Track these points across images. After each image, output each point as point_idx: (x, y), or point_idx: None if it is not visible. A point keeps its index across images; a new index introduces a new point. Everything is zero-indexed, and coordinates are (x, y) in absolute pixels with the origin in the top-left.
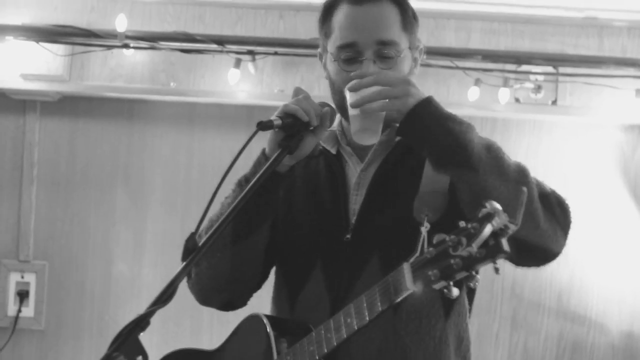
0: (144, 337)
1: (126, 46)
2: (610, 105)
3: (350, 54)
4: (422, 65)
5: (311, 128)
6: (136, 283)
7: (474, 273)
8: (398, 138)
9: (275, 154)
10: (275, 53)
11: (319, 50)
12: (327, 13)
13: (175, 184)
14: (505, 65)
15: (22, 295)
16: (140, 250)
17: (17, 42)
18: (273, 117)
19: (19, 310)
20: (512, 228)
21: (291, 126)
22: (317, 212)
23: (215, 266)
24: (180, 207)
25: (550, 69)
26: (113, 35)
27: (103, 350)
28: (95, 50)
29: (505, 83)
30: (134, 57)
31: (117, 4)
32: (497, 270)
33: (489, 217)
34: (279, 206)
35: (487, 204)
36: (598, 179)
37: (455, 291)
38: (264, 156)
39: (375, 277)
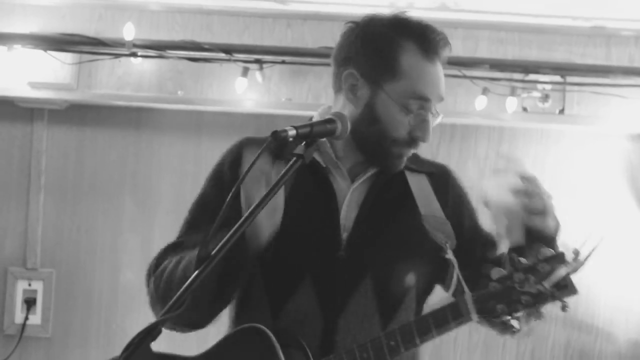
0: (152, 346)
1: (134, 55)
2: (617, 115)
3: (419, 106)
4: None
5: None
6: (143, 291)
7: (540, 309)
8: None
9: (289, 164)
10: (283, 62)
11: (351, 71)
12: (389, 48)
13: (183, 193)
14: (512, 74)
15: (30, 303)
16: (147, 258)
17: (25, 50)
18: (287, 127)
19: (26, 318)
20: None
21: (306, 136)
22: (306, 224)
23: (191, 316)
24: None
25: (557, 78)
26: (121, 43)
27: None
28: (103, 58)
29: (513, 92)
30: (141, 66)
31: (125, 12)
32: (564, 308)
33: (562, 258)
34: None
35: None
36: (605, 188)
37: (516, 324)
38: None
39: (369, 296)
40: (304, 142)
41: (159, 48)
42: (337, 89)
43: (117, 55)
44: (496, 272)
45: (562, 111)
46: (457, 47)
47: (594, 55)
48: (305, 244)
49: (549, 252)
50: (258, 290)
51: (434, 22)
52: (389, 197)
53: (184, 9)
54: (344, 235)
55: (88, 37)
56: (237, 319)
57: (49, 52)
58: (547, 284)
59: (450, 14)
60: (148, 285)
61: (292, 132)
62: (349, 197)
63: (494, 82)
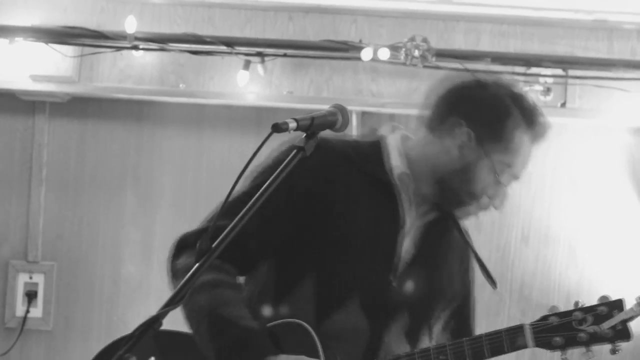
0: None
1: (135, 47)
2: (619, 108)
3: (509, 180)
4: (430, 67)
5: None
6: (145, 284)
7: (591, 348)
8: None
9: (291, 155)
10: (285, 55)
11: (468, 131)
12: (508, 125)
13: (184, 185)
14: (514, 67)
15: (31, 296)
16: (149, 251)
17: (27, 43)
18: (288, 120)
19: (27, 311)
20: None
21: (307, 128)
22: (367, 243)
23: None
24: (189, 208)
25: (559, 71)
26: (122, 36)
27: None
28: (105, 51)
29: None
30: (143, 59)
31: (126, 5)
32: (615, 351)
33: (620, 305)
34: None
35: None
36: (607, 182)
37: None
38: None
39: (399, 331)
40: (305, 135)
41: (161, 41)
42: (438, 130)
43: (119, 48)
44: (556, 308)
45: (564, 104)
46: (459, 41)
47: (596, 49)
48: (362, 262)
49: (609, 297)
50: (307, 293)
51: (436, 15)
52: (446, 240)
53: (185, 2)
54: (400, 265)
55: (90, 30)
56: (276, 313)
57: (51, 44)
58: (604, 326)
59: (452, 7)
60: (170, 268)
61: (293, 125)
62: (414, 231)
63: (496, 75)
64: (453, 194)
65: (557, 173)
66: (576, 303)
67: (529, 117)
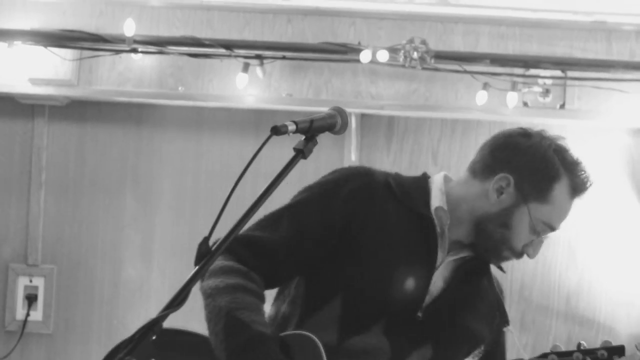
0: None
1: (134, 51)
2: (618, 109)
3: (545, 231)
4: (429, 69)
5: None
6: (144, 287)
7: None
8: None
9: (290, 159)
10: (284, 57)
11: (507, 176)
12: (550, 175)
13: (184, 188)
14: (513, 69)
15: (31, 299)
16: (148, 254)
17: (26, 46)
18: (287, 122)
19: (28, 314)
20: None
21: (306, 131)
22: (401, 271)
23: None
24: (188, 211)
25: (558, 72)
26: (121, 39)
27: None
28: (104, 54)
29: (514, 87)
30: (142, 62)
31: (125, 8)
32: None
33: (621, 350)
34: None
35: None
36: (606, 183)
37: None
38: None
39: (425, 356)
40: (304, 137)
41: (160, 44)
42: (480, 174)
43: (118, 51)
44: (558, 347)
45: (562, 106)
46: (458, 42)
47: (595, 50)
48: (392, 290)
49: (611, 342)
50: (334, 313)
51: (435, 17)
52: (475, 283)
53: (184, 5)
54: (427, 299)
55: (88, 33)
56: (298, 326)
57: (50, 48)
58: None
59: (450, 9)
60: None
61: (292, 127)
62: (445, 267)
63: (495, 77)
64: (488, 238)
65: None
66: (579, 345)
67: (570, 170)
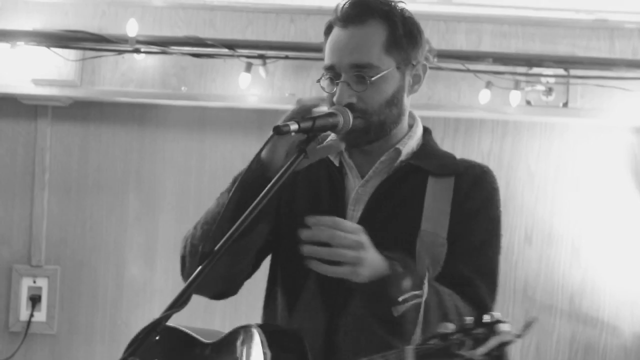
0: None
1: (137, 51)
2: (621, 108)
3: (330, 76)
4: (432, 68)
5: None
6: (148, 287)
7: None
8: (400, 159)
9: (292, 158)
10: (286, 57)
11: None
12: (326, 33)
13: (187, 188)
14: (516, 67)
15: (35, 300)
16: (152, 254)
17: (29, 47)
18: (289, 122)
19: (31, 315)
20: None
21: (307, 130)
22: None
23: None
24: (191, 211)
25: (561, 71)
26: (124, 40)
27: (115, 354)
28: (107, 55)
29: (517, 86)
30: (145, 62)
31: (128, 8)
32: None
33: (497, 328)
34: (275, 206)
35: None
36: (609, 181)
37: None
38: (258, 160)
39: (370, 299)
40: (306, 137)
41: (162, 44)
42: None
43: (121, 52)
44: (443, 327)
45: (565, 104)
46: (461, 41)
47: (598, 48)
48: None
49: (489, 317)
50: (276, 290)
51: (438, 16)
52: (396, 201)
53: (186, 5)
54: None
55: (91, 34)
56: (264, 315)
57: (52, 48)
58: (481, 350)
59: (453, 8)
60: (182, 250)
61: (294, 126)
62: (354, 196)
63: (498, 75)
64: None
65: (559, 173)
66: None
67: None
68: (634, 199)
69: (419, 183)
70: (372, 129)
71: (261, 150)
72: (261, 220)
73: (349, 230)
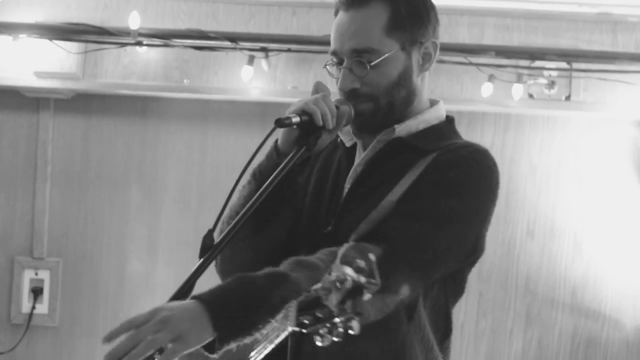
0: None
1: (139, 43)
2: (624, 101)
3: (333, 62)
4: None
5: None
6: (150, 280)
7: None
8: (394, 137)
9: (293, 152)
10: (289, 50)
11: None
12: (335, 16)
13: (189, 181)
14: (518, 61)
15: (36, 292)
16: (154, 247)
17: (31, 40)
18: (291, 115)
19: (33, 307)
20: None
21: (309, 124)
22: (316, 202)
23: (238, 254)
24: (194, 204)
25: (564, 64)
26: (126, 32)
27: None
28: (109, 47)
29: (519, 79)
30: (147, 55)
31: (130, 1)
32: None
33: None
34: (298, 192)
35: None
36: (612, 175)
37: (327, 341)
38: (275, 150)
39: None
40: (306, 130)
41: (165, 37)
42: None
43: (123, 44)
44: (325, 279)
45: (568, 98)
46: (463, 34)
47: (600, 42)
48: (310, 220)
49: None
50: None
51: (440, 9)
52: (380, 176)
53: None
54: (338, 210)
55: (93, 26)
56: None
57: (55, 41)
58: (333, 298)
59: (455, 1)
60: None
61: (296, 119)
62: (351, 173)
63: (500, 69)
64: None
65: (562, 166)
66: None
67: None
68: (637, 193)
69: (409, 161)
70: (380, 111)
71: (276, 140)
72: (280, 209)
73: (144, 321)
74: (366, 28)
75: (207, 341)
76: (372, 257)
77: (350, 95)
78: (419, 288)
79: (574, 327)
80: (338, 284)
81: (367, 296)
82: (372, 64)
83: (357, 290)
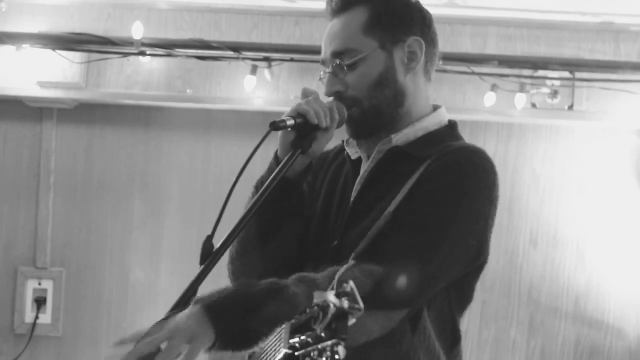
0: None
1: (142, 53)
2: (626, 110)
3: (325, 72)
4: (437, 71)
5: (324, 127)
6: (153, 290)
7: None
8: (391, 146)
9: (288, 155)
10: (291, 59)
11: None
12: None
13: (192, 191)
14: (521, 70)
15: (40, 302)
16: (157, 257)
17: (34, 49)
18: (285, 117)
19: (37, 317)
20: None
21: (303, 126)
22: (324, 215)
23: (248, 266)
24: (197, 213)
25: (566, 74)
26: (129, 42)
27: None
28: (112, 57)
29: (522, 88)
30: (150, 64)
31: (133, 11)
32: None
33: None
34: (303, 201)
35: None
36: (615, 184)
37: None
38: (275, 159)
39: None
40: (300, 133)
41: (168, 47)
42: None
43: (126, 54)
44: (318, 296)
45: (571, 107)
46: (466, 44)
47: (603, 51)
48: (317, 234)
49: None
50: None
51: (443, 18)
52: (382, 186)
53: (192, 8)
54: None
55: (96, 36)
56: None
57: (58, 51)
58: (320, 324)
59: (458, 11)
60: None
61: (291, 122)
62: (356, 185)
63: (503, 78)
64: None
65: (565, 175)
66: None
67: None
68: (639, 202)
69: (407, 170)
70: (366, 114)
71: (276, 151)
72: (284, 220)
73: (152, 332)
74: (345, 30)
75: (214, 340)
76: (351, 283)
77: (336, 99)
78: (425, 299)
79: (576, 336)
80: (321, 311)
81: (351, 321)
82: (348, 62)
83: (340, 315)
